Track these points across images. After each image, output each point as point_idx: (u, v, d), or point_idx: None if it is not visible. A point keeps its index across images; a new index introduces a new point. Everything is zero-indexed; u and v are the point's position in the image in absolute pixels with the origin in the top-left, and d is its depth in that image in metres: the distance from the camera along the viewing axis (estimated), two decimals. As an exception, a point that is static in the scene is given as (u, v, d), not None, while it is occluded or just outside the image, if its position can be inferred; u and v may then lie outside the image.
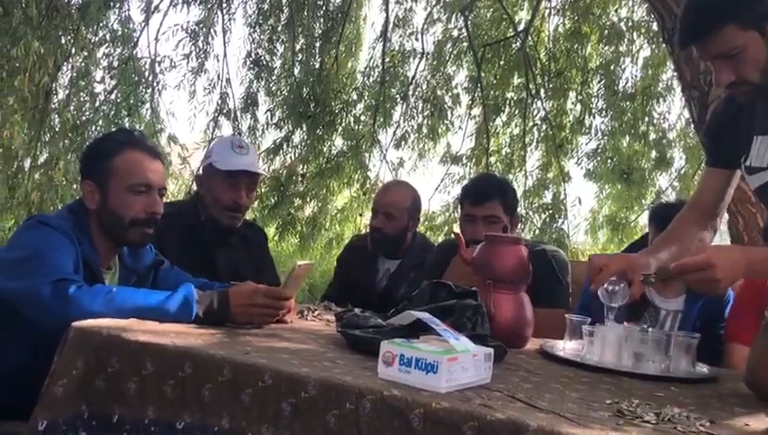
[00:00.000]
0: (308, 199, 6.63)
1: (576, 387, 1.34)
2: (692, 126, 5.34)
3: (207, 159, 2.49)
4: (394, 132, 6.45)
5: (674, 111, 6.36)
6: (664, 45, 5.28)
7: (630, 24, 6.18)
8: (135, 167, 1.82)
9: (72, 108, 5.61)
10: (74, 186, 5.29)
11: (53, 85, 5.52)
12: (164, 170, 1.91)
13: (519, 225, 2.42)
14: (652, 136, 6.26)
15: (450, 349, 1.23)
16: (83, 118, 5.51)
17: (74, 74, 5.75)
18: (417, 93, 6.44)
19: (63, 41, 5.38)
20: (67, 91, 5.75)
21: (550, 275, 2.16)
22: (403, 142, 6.47)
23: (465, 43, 6.27)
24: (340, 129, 6.51)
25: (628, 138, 6.26)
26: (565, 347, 1.71)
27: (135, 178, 1.81)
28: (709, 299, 2.19)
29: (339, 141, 6.60)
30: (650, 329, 1.68)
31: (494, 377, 1.29)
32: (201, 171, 2.57)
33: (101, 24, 5.80)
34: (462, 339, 1.30)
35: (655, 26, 5.74)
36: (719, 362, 1.93)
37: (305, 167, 6.56)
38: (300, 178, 6.52)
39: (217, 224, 2.43)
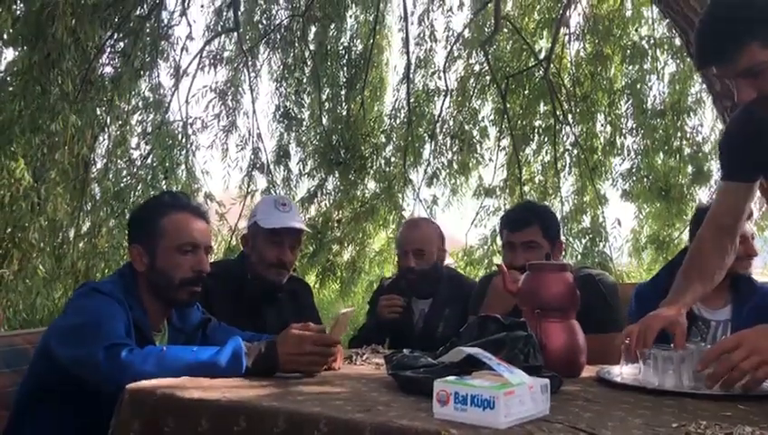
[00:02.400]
0: (345, 244, 6.67)
1: (639, 412, 1.29)
2: (727, 137, 5.27)
3: (252, 218, 2.51)
4: (425, 170, 6.49)
5: (706, 123, 6.28)
6: (689, 60, 5.27)
7: (652, 41, 6.16)
8: (181, 227, 1.85)
9: (110, 176, 5.78)
10: (119, 251, 5.41)
11: (92, 156, 5.71)
12: (209, 229, 1.94)
13: (562, 251, 2.37)
14: (687, 151, 6.17)
15: (505, 383, 1.21)
16: (122, 184, 5.66)
17: (111, 144, 5.93)
18: (444, 130, 6.49)
19: (99, 112, 5.58)
20: (105, 160, 5.93)
21: (599, 300, 2.11)
22: (435, 180, 6.49)
23: (487, 77, 6.33)
24: (372, 172, 6.59)
25: (662, 155, 6.19)
26: (622, 372, 1.66)
27: (182, 239, 1.84)
28: (756, 305, 2.13)
29: (371, 185, 6.67)
30: (705, 344, 1.63)
31: (552, 408, 1.26)
32: (247, 231, 2.58)
33: (134, 93, 6.01)
34: (516, 371, 1.27)
35: (677, 41, 5.72)
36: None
37: (340, 213, 6.62)
38: (336, 225, 6.57)
39: (264, 281, 2.45)
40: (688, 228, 2.57)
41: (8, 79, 5.15)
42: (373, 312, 2.85)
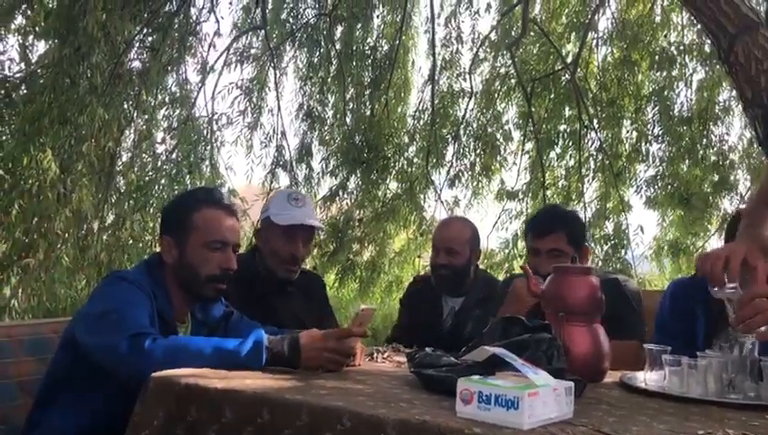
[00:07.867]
0: (366, 244, 6.67)
1: (663, 419, 1.28)
2: (755, 145, 5.20)
3: (265, 212, 2.54)
4: (447, 172, 6.47)
5: (733, 132, 6.19)
6: (718, 66, 5.20)
7: (681, 47, 6.09)
8: (212, 224, 1.87)
9: (135, 169, 5.83)
10: (140, 244, 5.46)
11: (118, 149, 5.75)
12: (239, 227, 1.96)
13: (589, 256, 2.36)
14: (712, 159, 6.09)
15: (530, 384, 1.20)
16: (147, 178, 5.71)
17: (137, 137, 5.98)
18: (468, 132, 6.47)
19: (126, 106, 5.62)
20: (131, 154, 5.98)
21: (624, 305, 2.09)
22: (457, 181, 6.47)
23: (513, 80, 6.30)
24: (394, 172, 6.58)
25: (687, 162, 6.11)
26: (646, 378, 1.65)
27: (212, 236, 1.86)
28: None
29: (393, 185, 6.66)
30: (732, 354, 1.59)
31: (575, 412, 1.25)
32: (260, 224, 2.61)
33: (161, 88, 6.06)
34: (540, 373, 1.27)
35: (707, 48, 5.65)
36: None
37: (361, 212, 6.62)
38: (357, 224, 6.58)
39: (275, 275, 2.47)
40: (723, 236, 2.52)
41: (39, 71, 5.22)
42: (405, 310, 2.86)
